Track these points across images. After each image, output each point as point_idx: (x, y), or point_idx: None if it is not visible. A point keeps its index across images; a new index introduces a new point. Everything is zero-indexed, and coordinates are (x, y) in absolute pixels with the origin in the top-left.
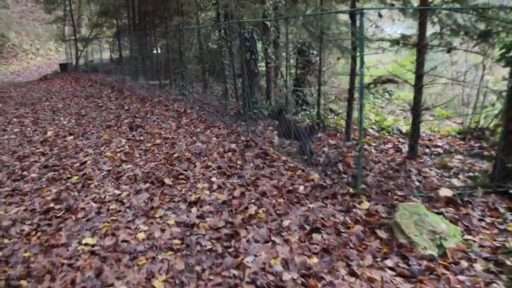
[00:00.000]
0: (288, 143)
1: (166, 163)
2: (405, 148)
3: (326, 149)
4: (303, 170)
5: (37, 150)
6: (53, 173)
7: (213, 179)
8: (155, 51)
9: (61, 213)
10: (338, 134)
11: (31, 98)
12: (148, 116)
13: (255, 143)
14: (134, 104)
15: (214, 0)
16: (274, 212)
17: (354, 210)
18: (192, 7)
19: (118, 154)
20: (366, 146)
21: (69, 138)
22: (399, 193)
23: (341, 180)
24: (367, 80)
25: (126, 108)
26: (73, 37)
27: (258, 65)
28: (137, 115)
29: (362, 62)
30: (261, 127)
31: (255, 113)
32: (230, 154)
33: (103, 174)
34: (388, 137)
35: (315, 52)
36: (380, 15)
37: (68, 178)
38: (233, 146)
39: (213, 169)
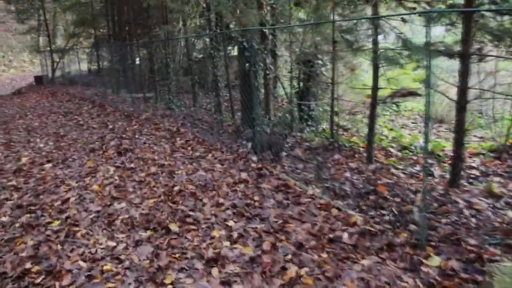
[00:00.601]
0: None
1: (167, 200)
2: (436, 171)
3: (348, 174)
4: (339, 209)
5: (9, 183)
6: (29, 216)
7: (230, 223)
8: (137, 62)
9: (41, 278)
10: (356, 155)
11: (2, 115)
12: (136, 136)
13: (269, 171)
14: (119, 121)
15: (205, 7)
16: (322, 275)
17: (422, 268)
18: (178, 15)
19: (107, 188)
20: (393, 170)
21: (47, 166)
22: (471, 241)
23: (382, 219)
24: (385, 93)
25: (111, 127)
26: (49, 48)
27: (258, 77)
28: (124, 135)
29: (428, 81)
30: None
31: (258, 130)
32: (242, 186)
33: (91, 217)
34: (413, 157)
35: (320, 62)
36: (404, 21)
37: (48, 223)
38: (244, 175)
39: (227, 208)
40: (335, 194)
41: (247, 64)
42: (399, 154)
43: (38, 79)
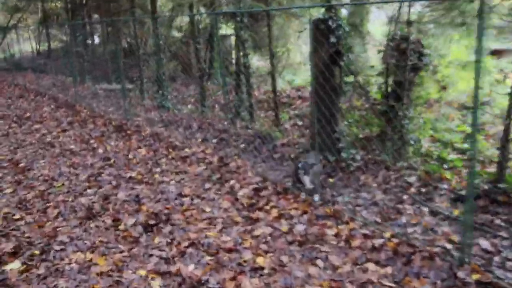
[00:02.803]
0: None
1: None
2: None
3: None
4: None
5: None
6: None
7: None
8: (97, 41)
9: None
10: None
11: None
12: (157, 178)
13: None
14: (108, 138)
15: None
16: None
17: None
18: None
19: None
20: None
21: (12, 266)
22: None
23: None
24: None
25: (101, 151)
26: None
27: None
28: (132, 173)
29: None
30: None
31: (348, 165)
32: None
33: None
34: None
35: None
36: None
37: None
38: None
39: None
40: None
41: (330, 54)
42: None
43: None
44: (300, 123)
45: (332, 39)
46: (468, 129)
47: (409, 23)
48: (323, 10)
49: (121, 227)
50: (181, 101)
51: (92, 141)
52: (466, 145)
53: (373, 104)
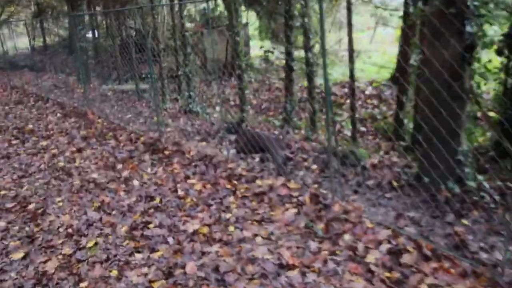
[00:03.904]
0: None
1: None
2: None
3: None
4: None
5: None
6: None
7: None
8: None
9: None
10: None
11: None
12: (234, 230)
13: None
14: (140, 161)
15: None
16: None
17: None
18: None
19: None
20: None
21: None
22: None
23: None
24: None
25: (135, 181)
26: None
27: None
28: (195, 226)
29: None
30: None
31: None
32: None
33: None
34: None
35: None
36: None
37: None
38: None
39: None
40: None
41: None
42: None
43: None
44: (363, 129)
45: (468, 27)
46: None
47: None
48: None
49: None
50: (205, 102)
51: (119, 165)
52: None
53: (486, 112)
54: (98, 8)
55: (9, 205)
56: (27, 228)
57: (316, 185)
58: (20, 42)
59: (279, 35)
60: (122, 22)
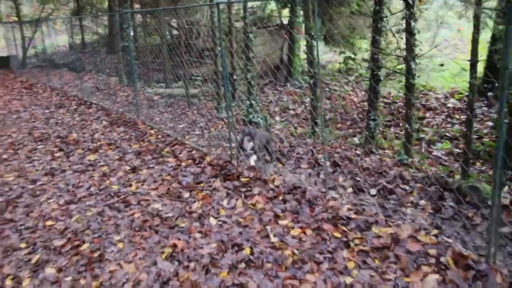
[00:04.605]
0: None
1: None
2: None
3: None
4: None
5: None
6: None
7: None
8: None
9: None
10: None
11: None
12: None
13: None
14: (210, 189)
15: None
16: None
17: None
18: None
19: None
20: None
21: None
22: None
23: None
24: None
25: (211, 220)
26: (16, 17)
27: None
28: None
29: None
30: None
31: None
32: None
33: None
34: None
35: None
36: None
37: None
38: None
39: None
40: None
41: None
42: None
43: (4, 61)
44: (456, 149)
45: None
46: None
47: None
48: None
49: None
50: (266, 111)
51: (186, 194)
52: None
53: None
54: (136, 7)
55: (57, 243)
56: (82, 281)
57: (456, 241)
58: (59, 39)
59: (334, 37)
60: (168, 21)
